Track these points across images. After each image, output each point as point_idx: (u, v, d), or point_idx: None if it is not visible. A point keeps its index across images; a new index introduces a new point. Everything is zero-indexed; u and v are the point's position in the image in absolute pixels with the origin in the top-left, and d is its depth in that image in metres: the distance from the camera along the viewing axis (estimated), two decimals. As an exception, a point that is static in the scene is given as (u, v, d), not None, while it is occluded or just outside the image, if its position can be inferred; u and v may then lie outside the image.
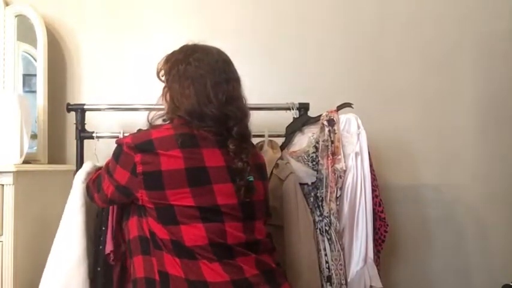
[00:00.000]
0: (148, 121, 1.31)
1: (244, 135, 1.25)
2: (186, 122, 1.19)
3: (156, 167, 1.13)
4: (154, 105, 1.84)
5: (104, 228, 1.50)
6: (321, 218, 1.54)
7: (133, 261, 1.19)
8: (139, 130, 1.28)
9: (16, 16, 1.88)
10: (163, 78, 1.31)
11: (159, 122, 1.29)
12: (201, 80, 1.21)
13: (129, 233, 1.23)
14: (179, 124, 1.19)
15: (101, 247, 1.50)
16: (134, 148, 1.16)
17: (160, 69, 1.33)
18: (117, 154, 1.21)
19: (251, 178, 1.21)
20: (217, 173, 1.17)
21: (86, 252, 1.46)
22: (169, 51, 1.32)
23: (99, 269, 1.49)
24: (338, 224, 1.53)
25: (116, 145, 1.24)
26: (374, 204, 1.58)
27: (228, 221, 1.16)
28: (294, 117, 1.72)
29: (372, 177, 1.59)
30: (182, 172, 1.12)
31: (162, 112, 1.29)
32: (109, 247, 1.41)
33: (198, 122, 1.18)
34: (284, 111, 1.75)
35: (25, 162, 1.63)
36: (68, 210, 1.49)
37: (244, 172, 1.20)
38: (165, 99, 1.28)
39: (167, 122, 1.26)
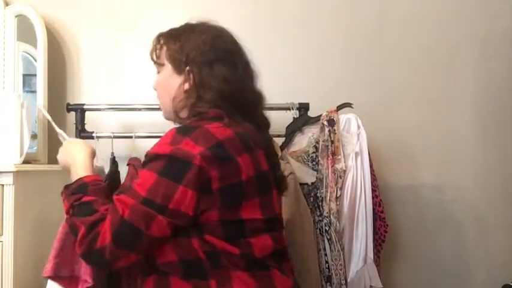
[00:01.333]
0: (177, 116, 1.06)
1: (269, 124, 1.14)
2: (224, 113, 1.00)
3: (236, 179, 0.93)
4: (155, 105, 1.85)
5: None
6: (320, 218, 1.54)
7: (169, 281, 0.95)
8: (182, 129, 0.96)
9: (16, 16, 1.88)
10: (164, 61, 1.09)
11: (184, 114, 1.06)
12: (232, 60, 1.06)
13: (155, 257, 0.96)
14: (227, 120, 0.99)
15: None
16: (211, 159, 0.90)
17: (160, 49, 1.09)
18: (180, 171, 0.90)
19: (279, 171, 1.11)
20: (271, 177, 1.04)
21: None
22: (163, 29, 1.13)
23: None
24: (338, 224, 1.53)
25: (157, 158, 0.93)
26: (374, 204, 1.58)
27: (280, 228, 1.07)
28: (294, 117, 1.72)
29: (372, 177, 1.59)
30: (253, 179, 0.96)
31: (183, 102, 1.05)
32: (49, 270, 1.21)
33: (236, 110, 1.01)
34: (284, 111, 1.75)
35: (25, 162, 1.63)
36: None
37: (279, 167, 1.11)
38: (189, 84, 1.04)
39: (199, 117, 1.01)
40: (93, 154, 1.19)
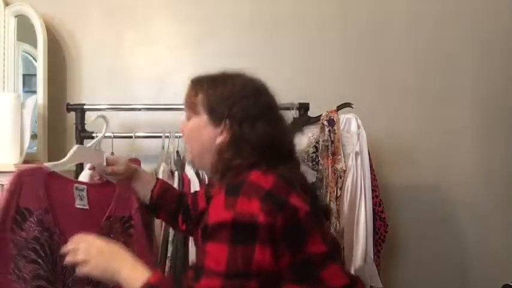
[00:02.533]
0: (206, 165, 1.04)
1: (299, 163, 1.15)
2: (259, 160, 0.97)
3: (294, 218, 0.91)
4: (155, 105, 1.86)
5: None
6: (321, 218, 1.54)
7: None
8: (230, 190, 0.91)
9: (16, 16, 1.88)
10: (199, 110, 1.03)
11: (215, 166, 1.02)
12: (272, 116, 1.04)
13: None
14: (264, 166, 0.96)
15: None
16: (272, 211, 0.88)
17: (196, 96, 1.04)
18: (250, 233, 0.86)
19: None
20: (319, 207, 1.05)
21: None
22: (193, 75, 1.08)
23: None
24: (338, 224, 1.53)
25: (220, 227, 0.87)
26: (374, 204, 1.58)
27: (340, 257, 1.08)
28: (294, 117, 1.72)
29: (372, 177, 1.59)
30: (308, 214, 0.93)
31: (216, 155, 1.00)
32: None
33: (271, 157, 0.99)
34: (284, 111, 1.74)
35: (25, 162, 1.63)
36: None
37: (318, 197, 1.14)
38: (225, 138, 1.00)
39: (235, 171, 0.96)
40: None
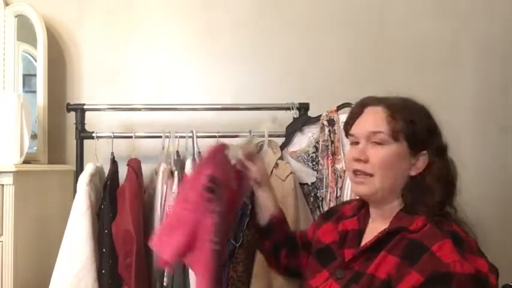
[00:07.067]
0: (390, 200, 0.98)
1: None
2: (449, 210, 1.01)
3: None
4: (155, 105, 1.86)
5: (106, 231, 1.51)
6: (321, 218, 1.54)
7: None
8: (457, 242, 0.91)
9: (16, 16, 1.88)
10: (399, 137, 0.95)
11: (397, 200, 0.98)
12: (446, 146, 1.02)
13: None
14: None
15: (104, 250, 1.51)
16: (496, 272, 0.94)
17: (396, 123, 0.97)
18: None
19: None
20: None
21: (93, 255, 1.47)
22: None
23: (103, 271, 1.50)
24: (338, 224, 1.53)
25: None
26: (374, 204, 1.58)
27: None
28: (294, 117, 1.73)
29: (372, 177, 1.58)
30: None
31: (403, 188, 0.95)
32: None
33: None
34: (284, 111, 1.75)
35: (25, 162, 1.63)
36: (74, 214, 1.50)
37: None
38: (419, 169, 0.94)
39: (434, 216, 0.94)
40: None
